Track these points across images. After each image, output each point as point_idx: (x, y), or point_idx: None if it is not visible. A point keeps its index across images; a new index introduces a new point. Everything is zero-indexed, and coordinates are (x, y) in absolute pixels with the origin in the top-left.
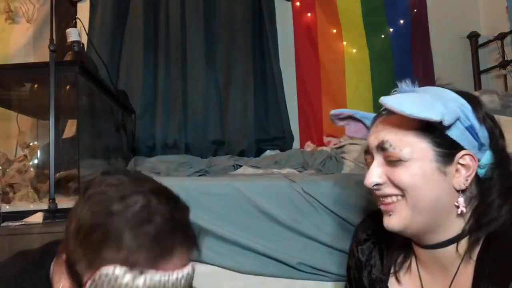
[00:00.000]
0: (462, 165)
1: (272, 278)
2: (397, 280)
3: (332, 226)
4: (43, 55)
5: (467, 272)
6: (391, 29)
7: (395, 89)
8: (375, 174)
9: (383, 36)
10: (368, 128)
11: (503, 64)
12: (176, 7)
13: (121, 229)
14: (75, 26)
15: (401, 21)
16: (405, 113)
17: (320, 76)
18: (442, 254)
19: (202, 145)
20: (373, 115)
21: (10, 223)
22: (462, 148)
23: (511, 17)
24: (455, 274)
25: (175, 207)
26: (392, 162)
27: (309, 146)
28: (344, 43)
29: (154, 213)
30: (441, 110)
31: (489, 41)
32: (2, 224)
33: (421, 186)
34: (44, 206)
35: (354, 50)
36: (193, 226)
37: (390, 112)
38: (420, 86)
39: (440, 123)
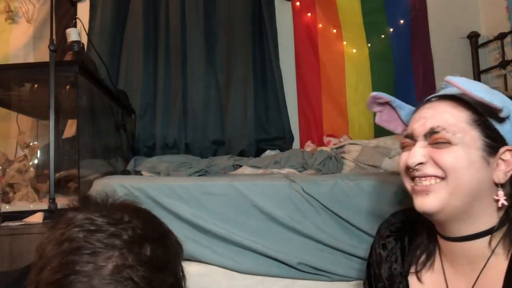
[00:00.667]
0: (503, 160)
1: (272, 278)
2: (419, 279)
3: (332, 226)
4: (43, 55)
5: (497, 267)
6: (391, 29)
7: (443, 81)
8: (418, 153)
9: (383, 36)
10: (401, 120)
11: (503, 64)
12: (176, 7)
13: None
14: (75, 26)
15: (401, 21)
16: (472, 94)
17: (320, 76)
18: (470, 247)
19: (202, 145)
20: (410, 107)
21: (10, 223)
22: (505, 144)
23: (511, 17)
24: (483, 269)
25: (156, 268)
26: (439, 144)
27: (309, 146)
28: (344, 43)
29: (127, 278)
30: (500, 100)
31: (489, 41)
32: (2, 224)
33: (464, 169)
34: (44, 206)
35: (354, 50)
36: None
37: (440, 100)
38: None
39: (496, 114)
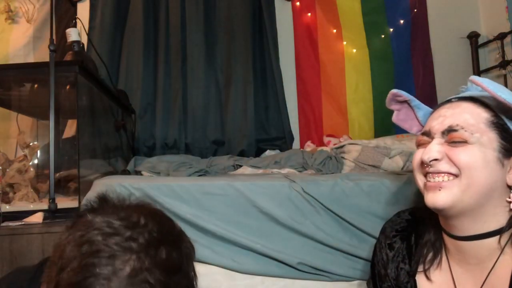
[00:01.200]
0: None
1: (272, 278)
2: (427, 278)
3: (332, 226)
4: (43, 55)
5: (505, 267)
6: (391, 29)
7: (463, 86)
8: (434, 149)
9: (383, 36)
10: (417, 119)
11: (503, 64)
12: (176, 7)
13: None
14: (75, 26)
15: (401, 21)
16: (497, 95)
17: (320, 76)
18: (479, 246)
19: (202, 145)
20: (427, 108)
21: (10, 223)
22: None
23: (511, 17)
24: (492, 268)
25: (171, 270)
26: (456, 142)
27: (309, 146)
28: (344, 43)
29: (144, 281)
30: None
31: (489, 41)
32: (2, 224)
33: (479, 168)
34: (44, 206)
35: (354, 50)
36: None
37: (460, 101)
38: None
39: None
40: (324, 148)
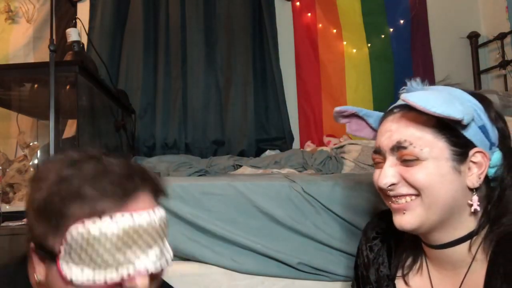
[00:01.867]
0: (474, 162)
1: (272, 278)
2: (406, 283)
3: (332, 226)
4: (43, 55)
5: (479, 271)
6: (391, 29)
7: (404, 87)
8: (389, 174)
9: (383, 36)
10: (370, 127)
11: (503, 64)
12: (176, 7)
13: (79, 185)
14: (75, 26)
15: (401, 21)
16: (428, 111)
17: (320, 76)
18: (452, 253)
19: (202, 145)
20: (377, 113)
21: (10, 223)
22: (474, 146)
23: (511, 17)
24: (466, 273)
25: (129, 160)
26: (408, 161)
27: (309, 146)
28: (344, 43)
29: (109, 165)
30: (460, 109)
31: (489, 41)
32: (2, 224)
33: (437, 185)
34: None
35: (354, 50)
36: (151, 172)
37: (404, 110)
38: (426, 83)
39: (459, 122)
40: (324, 148)
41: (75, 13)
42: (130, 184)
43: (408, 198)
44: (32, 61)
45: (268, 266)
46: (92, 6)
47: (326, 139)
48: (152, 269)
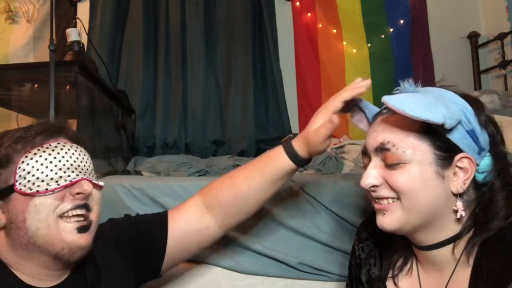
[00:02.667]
0: (460, 168)
1: (272, 278)
2: (395, 284)
3: (332, 226)
4: (43, 55)
5: (464, 274)
6: (391, 29)
7: (397, 88)
8: (372, 175)
9: (383, 36)
10: (368, 120)
11: (503, 64)
12: (176, 7)
13: (15, 135)
14: (75, 26)
15: (401, 21)
16: (407, 114)
17: (320, 76)
18: (438, 254)
19: (202, 145)
20: (374, 107)
21: None
22: (460, 152)
23: (511, 17)
24: (451, 276)
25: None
26: (391, 164)
27: None
28: (344, 43)
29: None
30: (443, 112)
31: (489, 41)
32: None
33: (418, 190)
34: None
35: (354, 50)
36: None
37: (392, 112)
38: (419, 84)
39: (442, 125)
40: None
41: (75, 13)
42: (51, 129)
43: (390, 200)
44: (32, 61)
45: (268, 266)
46: (92, 6)
47: None
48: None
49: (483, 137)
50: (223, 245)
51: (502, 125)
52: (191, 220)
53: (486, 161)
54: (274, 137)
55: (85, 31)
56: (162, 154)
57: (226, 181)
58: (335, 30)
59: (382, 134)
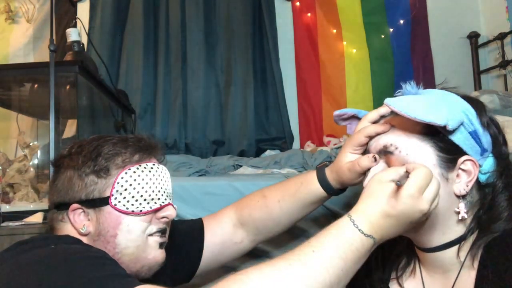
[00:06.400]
0: (463, 170)
1: None
2: (400, 285)
3: None
4: (43, 55)
5: (469, 276)
6: (391, 29)
7: (399, 90)
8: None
9: (383, 36)
10: None
11: (503, 64)
12: (176, 7)
13: (114, 148)
14: (75, 26)
15: (401, 21)
16: (409, 116)
17: (320, 76)
18: (443, 256)
19: (202, 145)
20: None
21: (10, 223)
22: (464, 153)
23: (511, 17)
24: (456, 278)
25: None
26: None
27: (309, 146)
28: (344, 43)
29: (126, 136)
30: (445, 114)
31: (489, 41)
32: (2, 224)
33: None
34: (44, 206)
35: (354, 50)
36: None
37: (394, 114)
38: (421, 86)
39: (444, 127)
40: (324, 148)
41: (75, 13)
42: (148, 148)
43: None
44: (32, 61)
45: None
46: (92, 6)
47: (326, 139)
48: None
49: (486, 138)
50: None
51: (504, 126)
52: (225, 233)
53: (488, 162)
54: (274, 137)
55: (85, 31)
56: None
57: (260, 200)
58: (335, 30)
59: (384, 137)
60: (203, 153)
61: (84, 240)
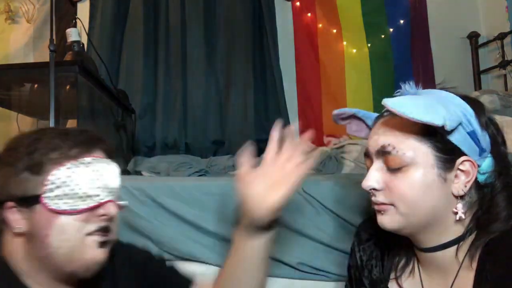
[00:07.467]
0: (462, 171)
1: (272, 278)
2: (399, 285)
3: (332, 226)
4: (43, 55)
5: (467, 277)
6: (391, 29)
7: (398, 90)
8: (373, 178)
9: (383, 36)
10: (369, 128)
11: (503, 64)
12: (176, 7)
13: (52, 141)
14: (75, 26)
15: (401, 21)
16: (406, 116)
17: (320, 76)
18: (441, 257)
19: (202, 145)
20: (375, 115)
21: None
22: (462, 154)
23: (511, 17)
24: (455, 278)
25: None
26: (394, 169)
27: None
28: (344, 43)
29: (68, 129)
30: (443, 114)
31: (489, 41)
32: None
33: (419, 196)
34: None
35: (354, 50)
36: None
37: (392, 114)
38: (420, 86)
39: (442, 127)
40: (324, 148)
41: (75, 13)
42: (88, 142)
43: (385, 206)
44: (32, 61)
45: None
46: (92, 6)
47: (326, 139)
48: (117, 200)
49: (484, 138)
50: (223, 245)
51: (503, 126)
52: None
53: (487, 162)
54: None
55: (85, 31)
56: (162, 154)
57: None
58: (335, 30)
59: (382, 137)
60: (203, 153)
61: (20, 241)
